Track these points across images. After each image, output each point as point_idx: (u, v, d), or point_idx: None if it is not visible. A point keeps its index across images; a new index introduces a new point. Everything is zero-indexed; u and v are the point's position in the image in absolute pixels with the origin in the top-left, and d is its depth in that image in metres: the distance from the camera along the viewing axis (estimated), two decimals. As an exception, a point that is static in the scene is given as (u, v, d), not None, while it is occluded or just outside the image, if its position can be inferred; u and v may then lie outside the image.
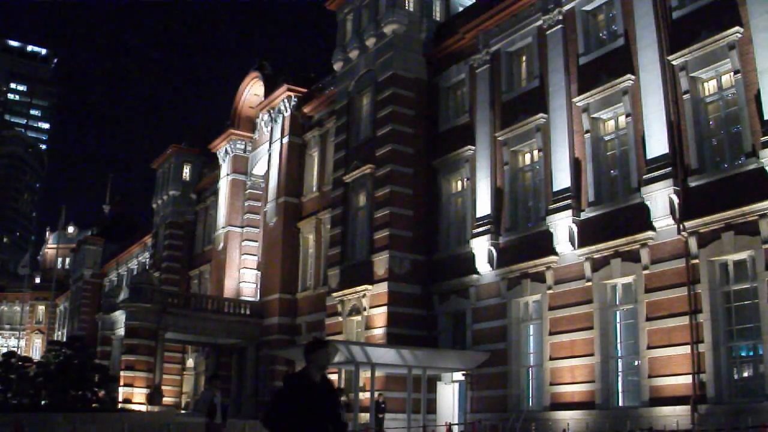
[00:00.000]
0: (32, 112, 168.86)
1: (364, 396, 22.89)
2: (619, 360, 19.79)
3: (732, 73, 18.10)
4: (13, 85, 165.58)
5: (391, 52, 27.65)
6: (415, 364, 22.18)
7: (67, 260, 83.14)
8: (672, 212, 18.32)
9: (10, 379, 37.76)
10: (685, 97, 18.88)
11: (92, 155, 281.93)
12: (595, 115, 21.47)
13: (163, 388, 36.00)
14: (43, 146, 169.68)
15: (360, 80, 29.59)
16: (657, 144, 19.13)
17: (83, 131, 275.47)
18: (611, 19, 22.25)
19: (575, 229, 20.98)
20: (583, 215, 21.02)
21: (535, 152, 23.44)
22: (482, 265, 23.74)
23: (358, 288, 26.45)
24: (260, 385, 34.32)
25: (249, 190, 40.76)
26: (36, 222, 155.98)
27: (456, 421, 23.66)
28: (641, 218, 19.02)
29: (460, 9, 29.31)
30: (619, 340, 19.89)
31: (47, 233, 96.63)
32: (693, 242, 17.92)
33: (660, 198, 18.57)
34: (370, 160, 27.54)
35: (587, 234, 20.66)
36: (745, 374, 17.39)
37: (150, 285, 36.14)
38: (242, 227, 40.59)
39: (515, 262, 22.67)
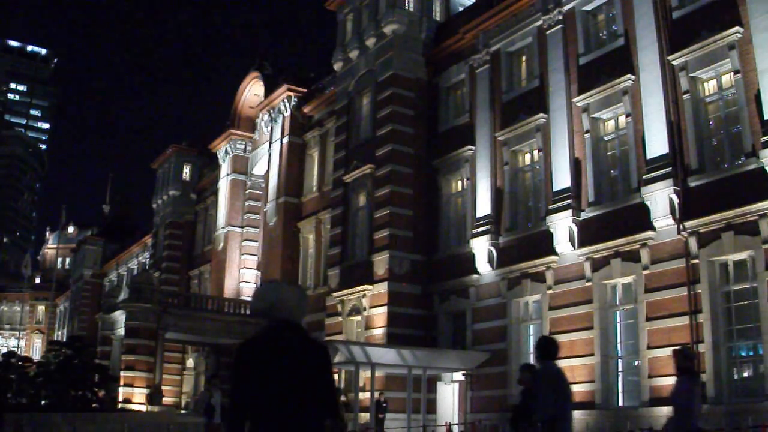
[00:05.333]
0: (32, 112, 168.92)
1: (364, 396, 22.89)
2: (619, 360, 19.79)
3: (732, 73, 18.10)
4: (13, 85, 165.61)
5: (391, 52, 27.66)
6: (415, 364, 22.18)
7: (67, 260, 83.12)
8: (672, 212, 18.32)
9: (10, 379, 37.79)
10: (685, 97, 18.87)
11: (92, 155, 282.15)
12: (595, 115, 21.47)
13: (163, 388, 36.01)
14: (43, 146, 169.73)
15: (360, 80, 29.59)
16: (657, 144, 19.13)
17: (83, 131, 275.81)
18: (611, 19, 22.25)
19: (575, 229, 20.98)
20: (583, 215, 21.02)
21: (535, 152, 23.44)
22: (482, 265, 23.74)
23: (358, 288, 26.46)
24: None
25: (249, 190, 40.76)
26: (36, 222, 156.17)
27: (456, 421, 23.66)
28: (641, 218, 19.02)
29: (460, 9, 29.30)
30: (619, 340, 19.89)
31: (47, 233, 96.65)
32: (693, 242, 17.92)
33: (660, 198, 18.57)
34: (370, 160, 27.54)
35: (587, 234, 20.66)
36: (745, 374, 17.39)
37: (150, 285, 36.14)
38: (242, 227, 40.59)
39: (515, 262, 22.67)
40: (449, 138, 26.60)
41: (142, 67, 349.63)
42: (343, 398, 20.34)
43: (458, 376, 24.24)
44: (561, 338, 20.60)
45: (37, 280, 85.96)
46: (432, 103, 27.85)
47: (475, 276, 24.04)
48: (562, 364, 21.29)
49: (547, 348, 7.14)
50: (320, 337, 29.57)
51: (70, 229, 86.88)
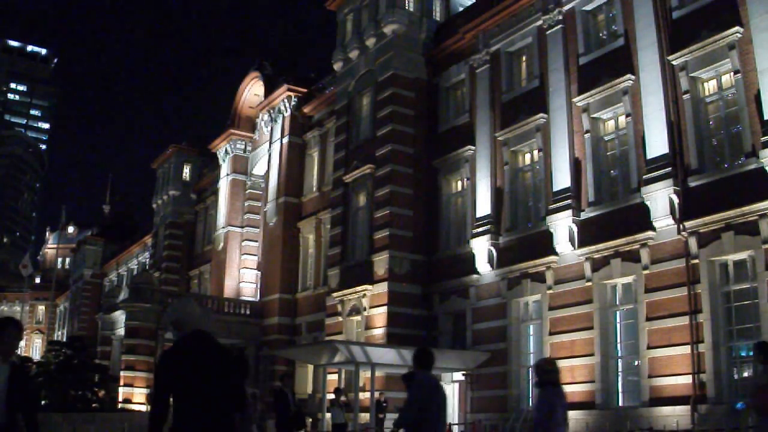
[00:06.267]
0: (32, 112, 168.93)
1: (364, 396, 22.89)
2: (619, 360, 19.79)
3: (732, 73, 18.09)
4: (13, 85, 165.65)
5: (391, 52, 27.65)
6: (415, 364, 22.12)
7: (67, 260, 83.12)
8: (672, 212, 18.32)
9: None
10: (685, 97, 18.87)
11: (92, 155, 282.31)
12: (595, 115, 21.46)
13: (163, 388, 35.94)
14: (43, 146, 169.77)
15: (360, 80, 29.58)
16: (657, 144, 19.13)
17: (83, 131, 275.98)
18: (611, 19, 22.25)
19: (575, 229, 20.98)
20: (583, 215, 21.02)
21: (535, 152, 23.44)
22: (482, 265, 23.73)
23: (358, 288, 26.45)
24: (260, 385, 34.30)
25: (249, 190, 40.74)
26: (36, 222, 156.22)
27: (456, 421, 23.65)
28: (641, 218, 19.02)
29: (460, 9, 29.30)
30: (619, 340, 19.89)
31: (47, 233, 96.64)
32: (693, 242, 17.91)
33: (660, 198, 18.57)
34: (370, 160, 27.54)
35: (587, 234, 20.66)
36: (745, 374, 17.38)
37: (150, 285, 36.13)
38: (242, 227, 40.57)
39: (515, 262, 22.67)
40: (449, 138, 26.59)
41: (142, 67, 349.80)
42: (343, 398, 20.32)
43: (458, 376, 24.24)
44: (561, 338, 20.71)
45: (37, 280, 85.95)
46: (432, 103, 27.84)
47: (475, 276, 24.04)
48: (561, 364, 21.39)
49: (425, 359, 7.36)
50: (320, 336, 29.61)
51: (70, 229, 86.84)
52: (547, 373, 7.42)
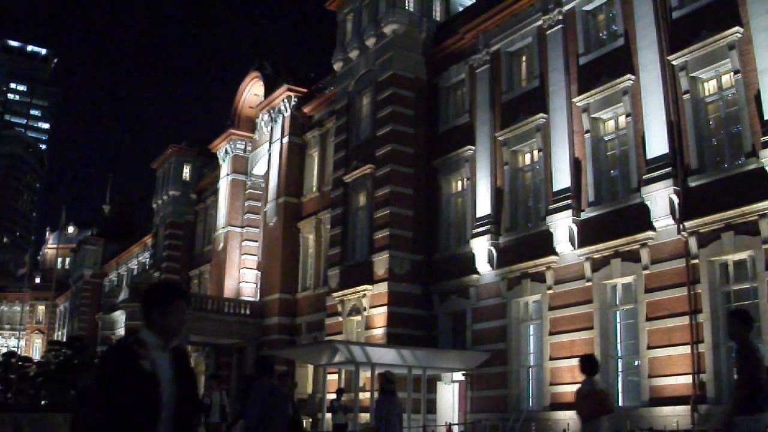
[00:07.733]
0: (32, 112, 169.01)
1: (364, 396, 22.89)
2: (619, 360, 19.79)
3: (732, 73, 18.09)
4: (13, 85, 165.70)
5: (391, 52, 27.65)
6: (415, 364, 22.17)
7: (67, 260, 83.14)
8: (672, 212, 18.32)
9: (10, 379, 37.78)
10: (685, 97, 18.87)
11: (92, 155, 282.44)
12: (595, 115, 21.46)
13: (163, 388, 35.93)
14: (43, 146, 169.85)
15: (360, 80, 29.58)
16: (657, 144, 19.13)
17: (83, 131, 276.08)
18: (611, 19, 22.25)
19: (575, 229, 20.98)
20: (583, 215, 21.01)
21: (535, 152, 23.44)
22: (482, 265, 23.73)
23: (358, 288, 26.45)
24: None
25: (249, 190, 40.73)
26: (36, 222, 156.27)
27: (456, 421, 23.66)
28: (641, 218, 19.01)
29: (460, 9, 29.30)
30: (619, 340, 19.89)
31: (47, 233, 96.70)
32: (693, 242, 17.91)
33: (660, 198, 18.57)
34: (370, 160, 27.54)
35: (587, 234, 20.66)
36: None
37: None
38: (242, 227, 40.57)
39: (515, 262, 22.66)
40: (449, 138, 26.59)
41: (142, 67, 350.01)
42: (344, 397, 20.33)
43: (458, 376, 24.24)
44: (561, 338, 20.72)
45: (37, 280, 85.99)
46: (432, 103, 27.84)
47: (475, 276, 24.03)
48: (561, 364, 21.39)
49: (263, 366, 8.31)
50: (320, 336, 29.63)
51: (70, 229, 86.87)
52: (389, 383, 8.56)
